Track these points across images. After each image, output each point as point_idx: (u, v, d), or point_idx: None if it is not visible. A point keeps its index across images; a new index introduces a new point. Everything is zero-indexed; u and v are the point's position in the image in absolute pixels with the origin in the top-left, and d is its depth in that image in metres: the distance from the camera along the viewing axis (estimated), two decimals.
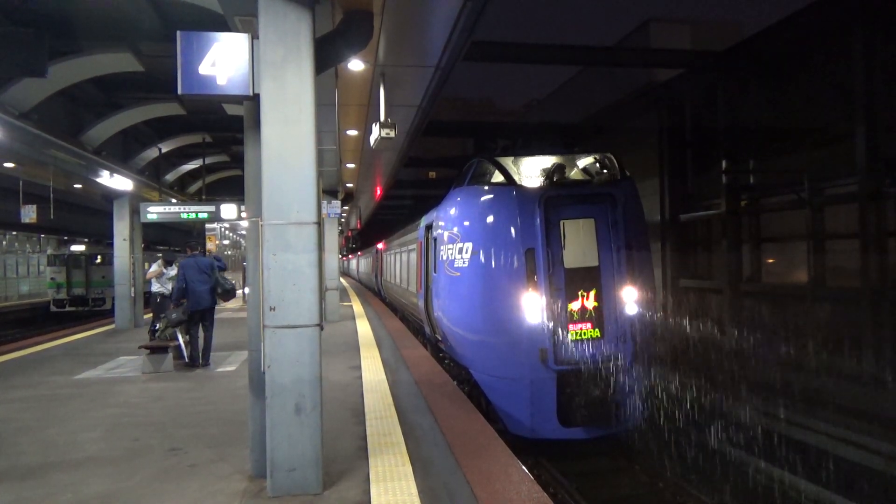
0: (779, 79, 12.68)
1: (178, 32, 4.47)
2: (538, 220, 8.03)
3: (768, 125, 12.91)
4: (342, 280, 34.42)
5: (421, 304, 12.01)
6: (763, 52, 12.84)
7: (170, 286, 11.19)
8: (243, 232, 25.74)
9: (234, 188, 21.82)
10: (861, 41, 10.56)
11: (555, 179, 8.56)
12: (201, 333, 9.89)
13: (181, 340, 9.74)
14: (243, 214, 14.10)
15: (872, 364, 9.74)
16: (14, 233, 34.91)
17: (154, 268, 11.82)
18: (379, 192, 21.87)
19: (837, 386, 9.07)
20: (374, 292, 29.22)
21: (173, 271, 11.22)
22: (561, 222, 8.20)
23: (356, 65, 7.66)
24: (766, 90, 13.02)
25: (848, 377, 9.46)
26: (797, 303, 11.88)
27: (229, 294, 10.13)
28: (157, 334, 9.91)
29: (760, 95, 13.14)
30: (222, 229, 24.37)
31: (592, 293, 8.13)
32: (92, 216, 26.42)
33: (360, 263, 45.39)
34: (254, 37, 4.48)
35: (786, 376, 9.69)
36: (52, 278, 28.56)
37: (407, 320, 16.49)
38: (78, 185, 15.75)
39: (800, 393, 9.18)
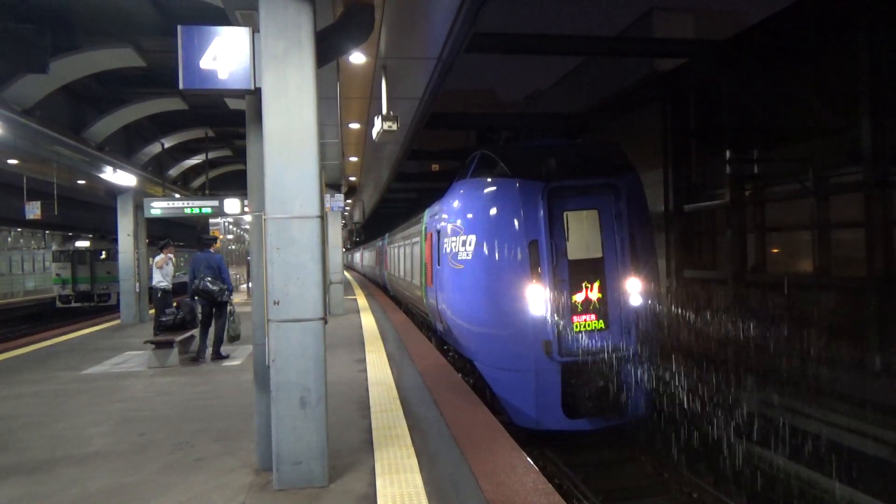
0: (783, 67, 12.58)
1: (179, 27, 4.45)
2: (541, 211, 8.02)
3: (773, 114, 12.82)
4: (346, 273, 34.45)
5: (426, 297, 12.02)
6: (767, 41, 12.74)
7: (158, 279, 11.31)
8: (247, 226, 25.77)
9: (237, 183, 21.80)
10: (866, 28, 10.46)
11: (557, 170, 8.53)
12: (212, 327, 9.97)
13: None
14: (246, 209, 14.11)
15: (875, 354, 9.72)
16: (19, 229, 35.04)
17: (159, 257, 11.86)
18: (382, 184, 21.84)
19: (837, 377, 9.04)
20: (379, 286, 29.24)
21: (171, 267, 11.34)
22: (564, 214, 8.19)
23: (357, 57, 7.64)
24: (770, 79, 12.91)
25: (848, 367, 9.44)
26: (802, 292, 11.83)
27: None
28: (163, 325, 9.93)
29: (765, 84, 13.04)
30: (226, 224, 24.37)
31: (596, 284, 8.13)
32: (96, 212, 26.47)
33: (364, 257, 45.44)
34: (255, 30, 4.47)
35: (786, 367, 9.67)
36: (57, 274, 28.59)
37: (411, 313, 16.50)
38: (81, 181, 15.79)
39: (798, 382, 9.17)
